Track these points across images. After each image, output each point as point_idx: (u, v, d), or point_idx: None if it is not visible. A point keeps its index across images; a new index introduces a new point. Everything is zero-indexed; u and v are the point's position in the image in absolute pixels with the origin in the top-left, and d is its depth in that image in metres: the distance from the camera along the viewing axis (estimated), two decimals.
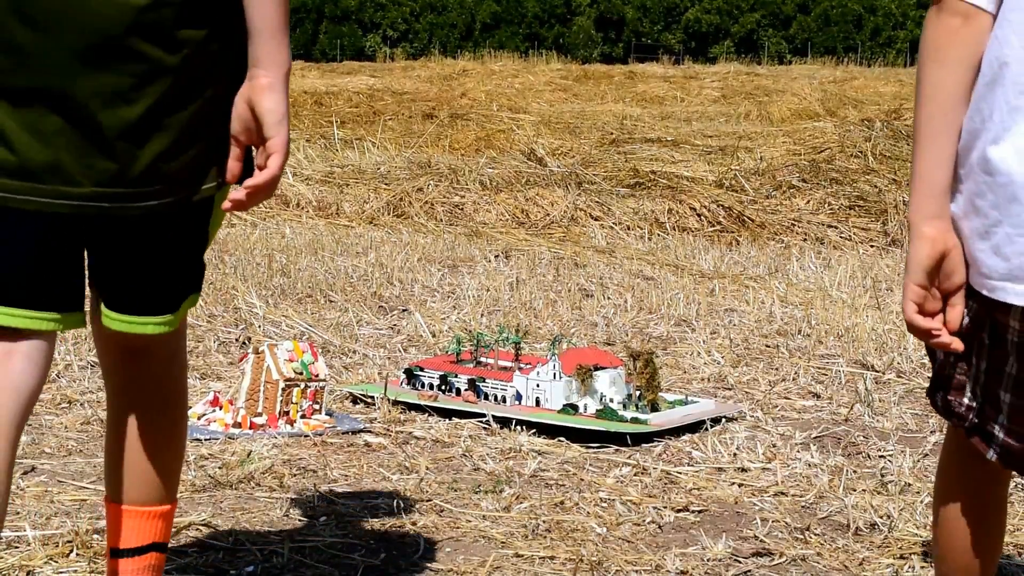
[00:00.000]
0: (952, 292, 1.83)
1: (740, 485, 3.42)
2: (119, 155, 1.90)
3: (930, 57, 1.82)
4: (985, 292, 1.79)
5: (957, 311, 1.84)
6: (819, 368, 4.75)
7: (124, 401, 2.17)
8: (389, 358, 4.80)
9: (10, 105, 1.87)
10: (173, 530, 2.94)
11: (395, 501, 3.21)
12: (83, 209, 1.92)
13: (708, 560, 2.89)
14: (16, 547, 2.82)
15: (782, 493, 3.34)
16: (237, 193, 2.00)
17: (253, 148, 2.03)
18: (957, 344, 1.84)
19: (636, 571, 2.81)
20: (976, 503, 1.98)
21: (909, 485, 3.39)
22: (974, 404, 1.90)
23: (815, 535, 3.06)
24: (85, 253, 2.01)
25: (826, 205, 8.78)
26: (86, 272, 2.04)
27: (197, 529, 2.97)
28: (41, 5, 1.85)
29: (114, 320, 2.06)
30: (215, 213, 2.08)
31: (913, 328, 1.85)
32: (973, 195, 1.79)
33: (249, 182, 1.98)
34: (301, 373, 3.90)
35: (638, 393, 4.02)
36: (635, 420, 3.88)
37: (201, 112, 1.95)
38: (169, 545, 2.27)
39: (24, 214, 1.89)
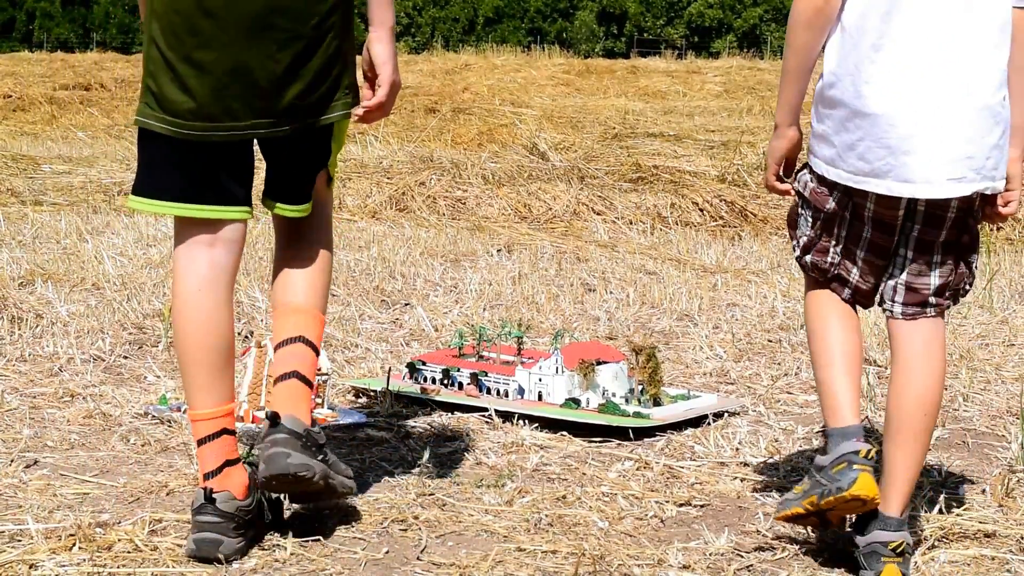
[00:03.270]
0: (793, 164, 2.94)
1: (742, 479, 3.42)
2: (269, 97, 2.80)
3: (802, 24, 2.76)
4: (851, 184, 2.75)
5: (791, 174, 2.94)
6: None
7: (286, 246, 3.03)
8: (391, 352, 4.80)
9: (195, 70, 2.76)
10: (174, 524, 2.95)
11: (397, 495, 3.21)
12: (246, 136, 2.83)
13: (710, 554, 2.89)
14: (19, 540, 2.82)
15: (784, 487, 3.34)
16: (357, 109, 2.93)
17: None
18: (789, 190, 2.93)
19: (638, 565, 2.81)
20: (834, 313, 2.91)
21: None
22: (836, 260, 2.88)
23: (817, 529, 3.06)
24: (249, 165, 2.89)
25: None
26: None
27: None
28: (215, 1, 2.73)
29: (283, 209, 2.97)
30: (336, 136, 2.98)
31: (772, 189, 2.95)
32: (844, 120, 2.73)
33: (365, 103, 2.92)
34: None
35: (640, 387, 4.02)
36: (637, 414, 3.87)
37: (327, 63, 2.84)
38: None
39: (209, 144, 2.80)
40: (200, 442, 2.83)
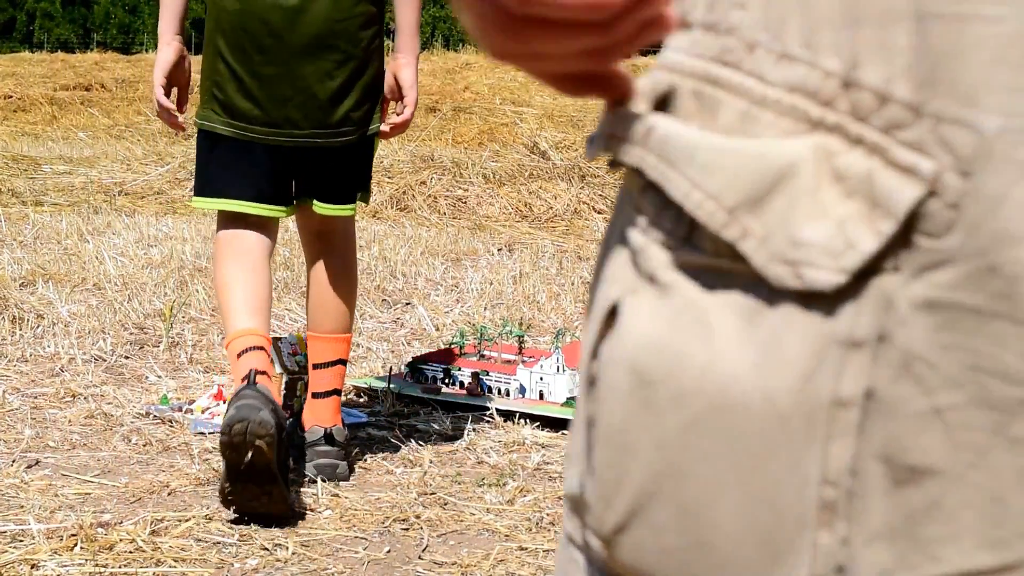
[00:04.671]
0: None
1: None
2: (326, 110, 3.20)
3: None
4: None
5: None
6: None
7: (318, 268, 3.37)
8: (392, 351, 4.79)
9: (260, 83, 3.18)
10: (176, 524, 2.96)
11: (399, 494, 3.21)
12: (304, 144, 3.23)
13: None
14: (20, 540, 2.82)
15: None
16: (384, 127, 3.33)
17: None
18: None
19: None
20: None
21: None
22: None
23: None
24: (296, 171, 3.29)
25: None
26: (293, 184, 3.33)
27: (201, 522, 2.97)
28: (281, 22, 3.14)
29: (322, 208, 3.31)
30: (374, 145, 3.37)
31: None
32: None
33: (392, 121, 3.34)
34: (304, 366, 3.89)
35: None
36: None
37: (371, 82, 3.26)
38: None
39: (269, 147, 3.22)
40: (239, 355, 3.01)
